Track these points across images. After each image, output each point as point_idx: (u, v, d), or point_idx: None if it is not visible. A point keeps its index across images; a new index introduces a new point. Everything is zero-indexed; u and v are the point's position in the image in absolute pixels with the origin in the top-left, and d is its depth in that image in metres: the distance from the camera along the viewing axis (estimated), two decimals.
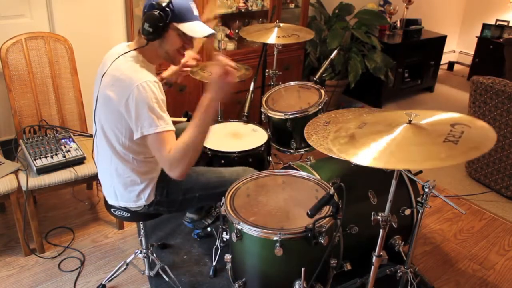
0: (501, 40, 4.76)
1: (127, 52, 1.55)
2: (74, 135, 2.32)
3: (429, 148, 1.22)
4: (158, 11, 1.46)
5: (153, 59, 1.61)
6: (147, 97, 1.44)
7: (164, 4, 1.46)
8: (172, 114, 1.67)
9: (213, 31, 1.56)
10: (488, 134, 1.25)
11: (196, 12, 1.55)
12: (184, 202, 1.75)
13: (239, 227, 1.47)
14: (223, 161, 1.99)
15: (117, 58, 1.54)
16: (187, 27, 1.52)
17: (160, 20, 1.46)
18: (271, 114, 2.34)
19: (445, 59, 5.48)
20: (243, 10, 3.22)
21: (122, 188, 1.66)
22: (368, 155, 1.23)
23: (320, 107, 2.30)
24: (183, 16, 1.51)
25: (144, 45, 1.54)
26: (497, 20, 5.02)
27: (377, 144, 1.26)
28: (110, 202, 1.73)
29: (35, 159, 2.07)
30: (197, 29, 1.54)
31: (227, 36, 3.30)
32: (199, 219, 2.34)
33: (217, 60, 1.48)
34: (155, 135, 1.46)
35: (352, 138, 1.34)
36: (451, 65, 5.65)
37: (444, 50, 4.78)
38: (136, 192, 1.66)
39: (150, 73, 1.51)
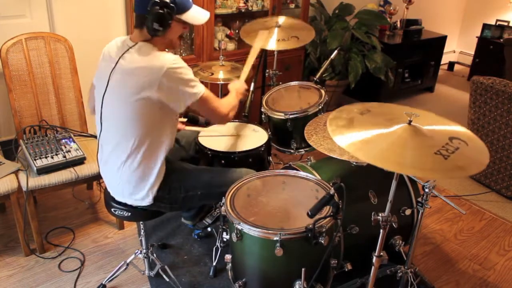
0: (501, 40, 4.76)
1: (135, 44, 1.58)
2: (74, 135, 2.32)
3: (419, 156, 1.21)
4: (164, 9, 1.50)
5: (160, 47, 1.65)
6: (180, 74, 1.53)
7: (168, 0, 1.50)
8: None
9: (208, 13, 1.69)
10: (481, 157, 1.23)
11: None
12: (185, 199, 1.76)
13: (239, 227, 1.47)
14: (223, 161, 1.99)
15: (127, 50, 1.56)
16: (189, 16, 1.61)
17: (168, 17, 1.52)
18: (271, 114, 2.34)
19: (445, 59, 5.48)
20: (243, 10, 3.22)
21: (133, 182, 1.66)
22: (357, 143, 1.23)
23: (320, 107, 2.30)
24: (184, 6, 1.59)
25: (150, 39, 1.59)
26: (497, 20, 5.02)
27: (370, 136, 1.26)
28: (118, 198, 1.74)
29: (35, 159, 2.07)
30: (198, 16, 1.64)
31: (227, 36, 3.30)
32: (193, 225, 2.35)
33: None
34: (200, 99, 1.60)
35: (350, 122, 1.34)
36: (451, 65, 5.65)
37: (444, 50, 4.79)
38: (146, 187, 1.67)
39: (169, 53, 1.57)
